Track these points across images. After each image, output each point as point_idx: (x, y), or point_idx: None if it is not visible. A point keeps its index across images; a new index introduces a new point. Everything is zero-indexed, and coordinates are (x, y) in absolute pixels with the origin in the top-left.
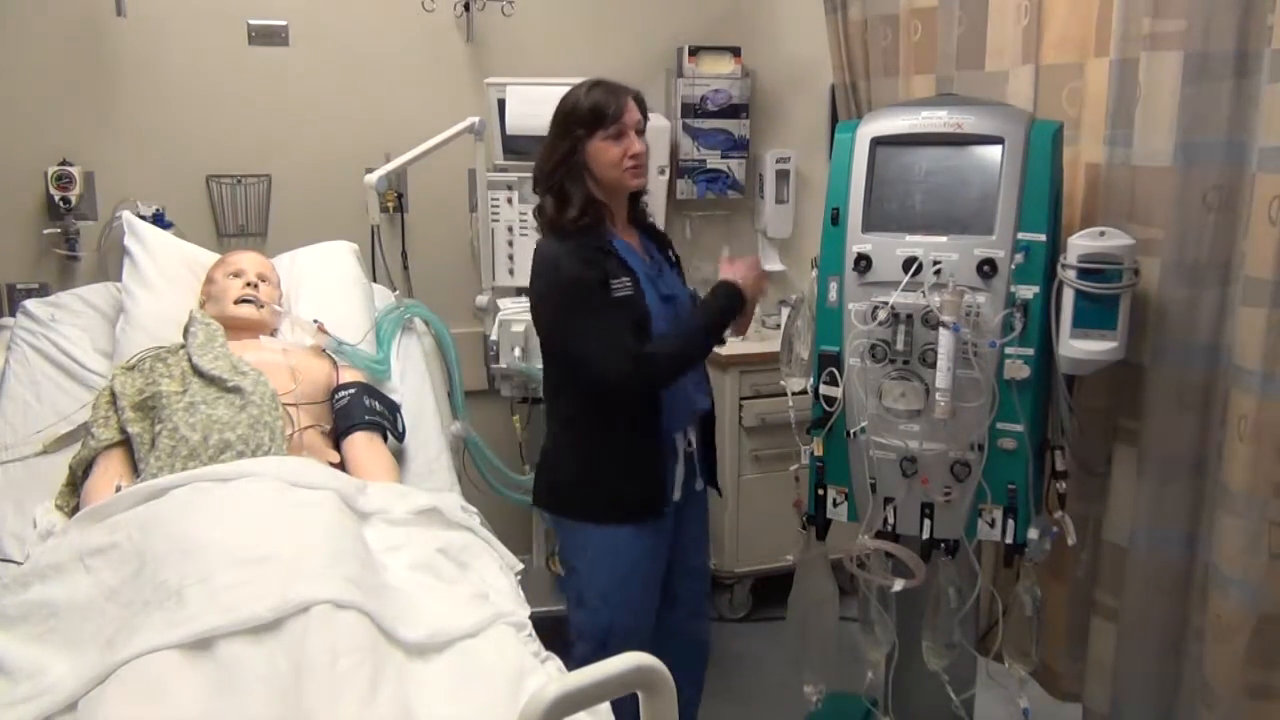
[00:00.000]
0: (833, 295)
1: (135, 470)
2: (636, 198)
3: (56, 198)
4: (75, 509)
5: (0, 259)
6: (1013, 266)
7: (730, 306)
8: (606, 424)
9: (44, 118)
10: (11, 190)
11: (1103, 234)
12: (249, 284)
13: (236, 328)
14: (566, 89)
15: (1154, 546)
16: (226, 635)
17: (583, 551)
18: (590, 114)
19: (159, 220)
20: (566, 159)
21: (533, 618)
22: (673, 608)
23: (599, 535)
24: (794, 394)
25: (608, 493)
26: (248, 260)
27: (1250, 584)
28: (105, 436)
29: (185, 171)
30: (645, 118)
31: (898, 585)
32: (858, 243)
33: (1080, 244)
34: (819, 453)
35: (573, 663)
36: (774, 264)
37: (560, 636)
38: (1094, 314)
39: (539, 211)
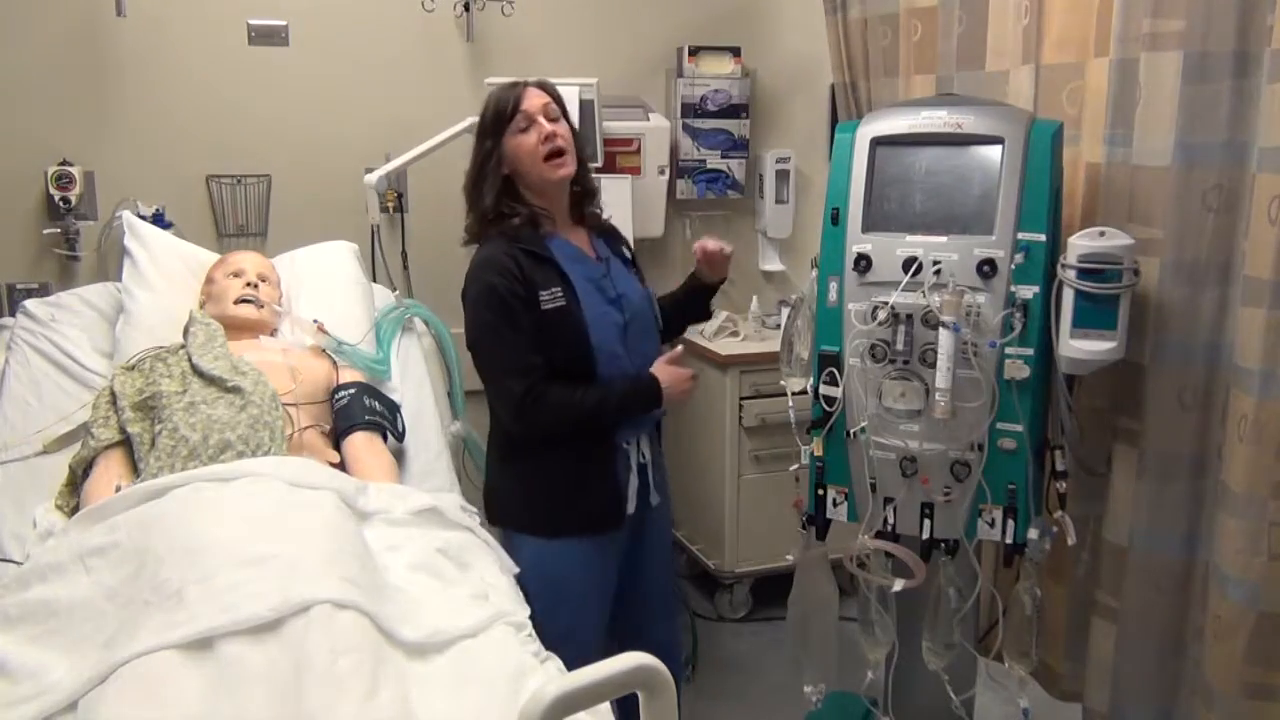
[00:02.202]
0: (833, 295)
1: (135, 470)
2: (584, 197)
3: (56, 198)
4: (75, 509)
5: (0, 259)
6: (1013, 266)
7: (645, 401)
8: (550, 438)
9: (44, 118)
10: (11, 190)
11: (1103, 234)
12: (249, 284)
13: (236, 328)
14: (566, 89)
15: (1154, 546)
16: (226, 635)
17: (533, 560)
18: (493, 118)
19: (159, 220)
20: (482, 168)
21: (532, 618)
22: (639, 627)
23: (546, 547)
24: (794, 394)
25: (554, 506)
26: (248, 260)
27: (1250, 584)
28: (105, 436)
29: (185, 171)
30: (557, 101)
31: (898, 585)
32: (858, 243)
33: (1080, 244)
34: (819, 453)
35: None
36: (774, 264)
37: None
38: (1094, 314)
39: (466, 228)
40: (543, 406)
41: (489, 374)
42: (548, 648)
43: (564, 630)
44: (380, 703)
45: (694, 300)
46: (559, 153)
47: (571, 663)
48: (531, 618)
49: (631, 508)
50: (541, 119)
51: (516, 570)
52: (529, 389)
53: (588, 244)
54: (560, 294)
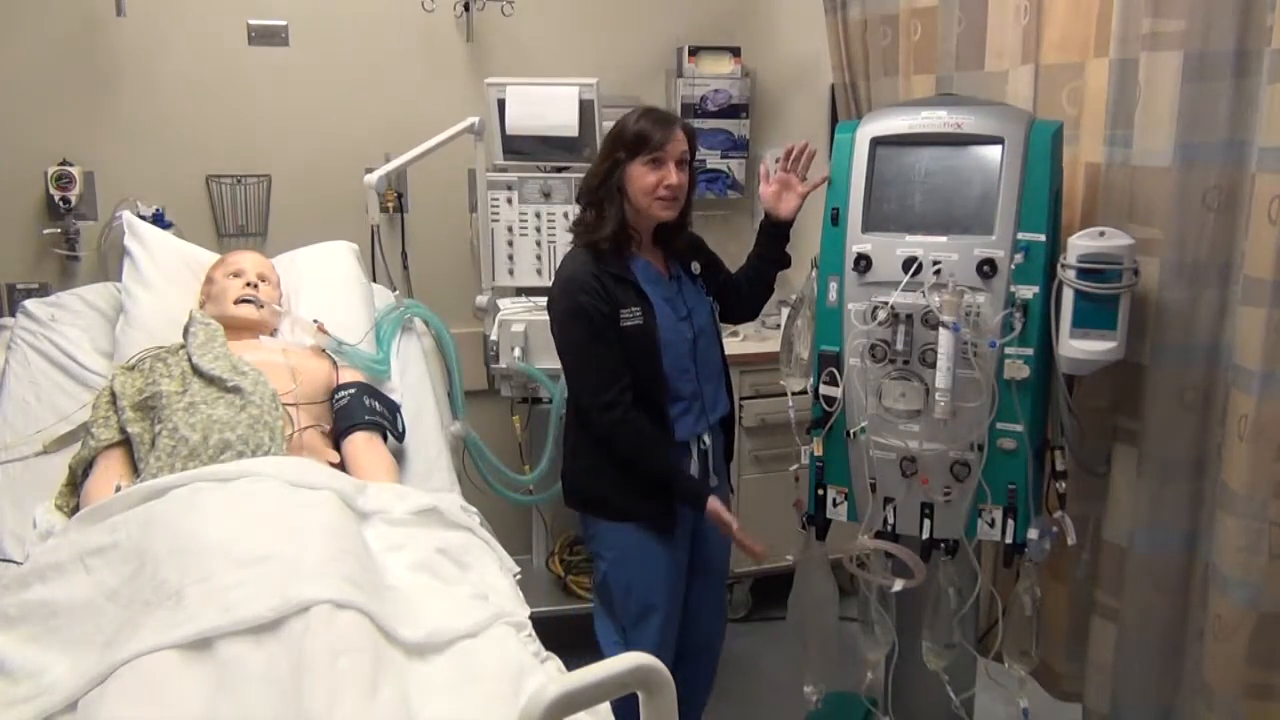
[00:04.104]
0: (833, 295)
1: (135, 470)
2: (674, 230)
3: (56, 198)
4: (75, 509)
5: (0, 259)
6: (1012, 266)
7: (692, 501)
8: None
9: (44, 118)
10: (11, 190)
11: (1102, 234)
12: (249, 284)
13: (236, 328)
14: (566, 89)
15: (1154, 546)
16: (226, 635)
17: (605, 541)
18: (634, 139)
19: (159, 220)
20: (607, 178)
21: (533, 618)
22: (685, 603)
23: (614, 529)
24: (794, 394)
25: (617, 498)
26: (248, 260)
27: (1250, 584)
28: (105, 436)
29: (185, 171)
30: (694, 151)
31: (898, 585)
32: (858, 243)
33: (1080, 244)
34: (819, 453)
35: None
36: None
37: (560, 636)
38: (1094, 314)
39: (577, 223)
40: (622, 430)
41: (578, 384)
42: (628, 625)
43: (641, 608)
44: (380, 702)
45: (770, 246)
46: (671, 199)
47: (652, 638)
48: (609, 596)
49: None
50: (672, 165)
51: (517, 570)
52: (615, 403)
53: (663, 263)
54: (639, 313)
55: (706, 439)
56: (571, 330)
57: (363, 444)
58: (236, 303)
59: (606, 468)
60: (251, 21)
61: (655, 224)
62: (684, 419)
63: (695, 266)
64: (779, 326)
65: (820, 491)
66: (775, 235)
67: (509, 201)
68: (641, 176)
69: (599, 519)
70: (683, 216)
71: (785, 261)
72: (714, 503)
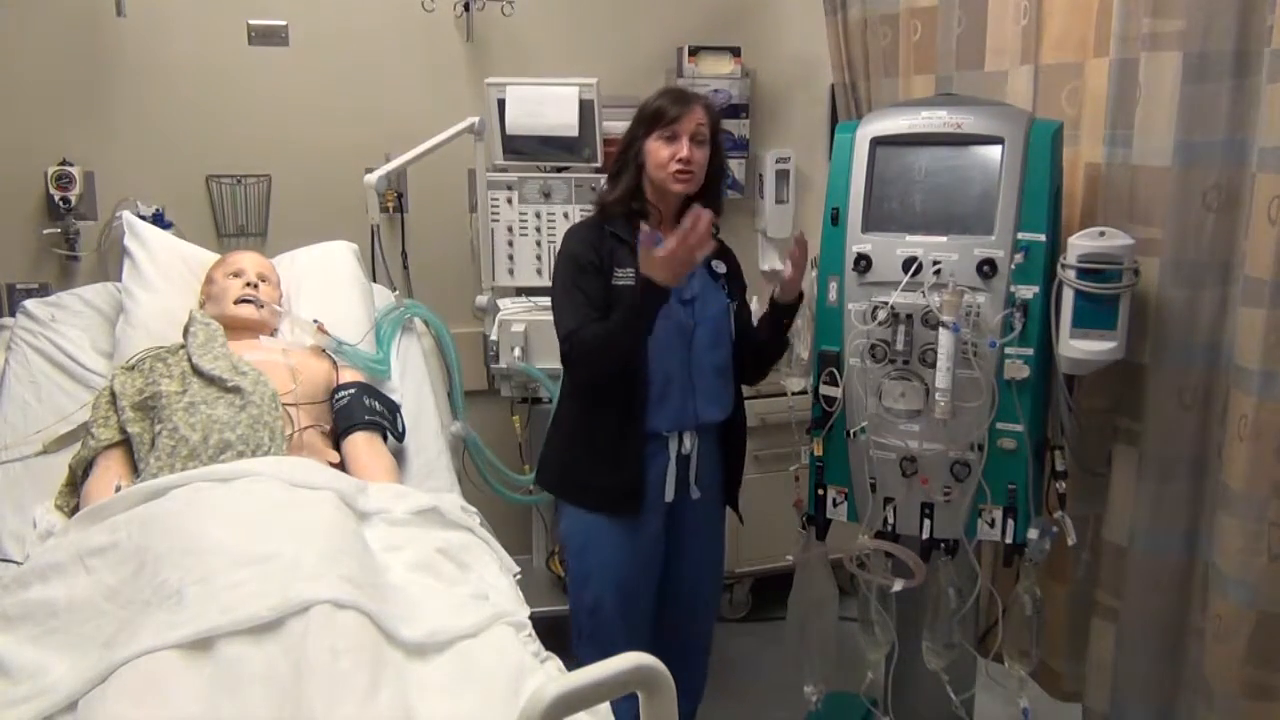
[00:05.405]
0: (833, 295)
1: (135, 470)
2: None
3: (56, 198)
4: (75, 509)
5: (0, 259)
6: (1012, 266)
7: (650, 298)
8: (591, 408)
9: (44, 118)
10: (11, 190)
11: (1102, 234)
12: (249, 284)
13: (236, 328)
14: (566, 89)
15: (1154, 546)
16: (226, 635)
17: (568, 529)
18: (651, 115)
19: (159, 220)
20: (625, 152)
21: (533, 618)
22: (674, 609)
23: (578, 517)
24: (794, 394)
25: (582, 478)
26: (248, 260)
27: (1250, 584)
28: (105, 436)
29: (185, 171)
30: (715, 129)
31: (898, 585)
32: (858, 243)
33: (1080, 244)
34: (819, 453)
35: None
36: (774, 264)
37: (560, 636)
38: (1094, 314)
39: (599, 193)
40: (580, 345)
41: (557, 323)
42: (583, 614)
43: (591, 601)
44: (380, 703)
45: (770, 326)
46: (686, 173)
47: (596, 637)
48: (577, 583)
49: (670, 495)
50: (685, 139)
51: (517, 570)
52: (570, 332)
53: None
54: (632, 275)
55: (688, 441)
56: (558, 272)
57: (363, 444)
58: (236, 303)
59: (580, 447)
60: (251, 21)
61: (677, 202)
62: (662, 406)
63: (720, 266)
64: None
65: (820, 491)
66: (779, 316)
67: (509, 201)
68: (656, 151)
69: (565, 503)
70: (708, 197)
71: (784, 345)
72: (644, 266)
